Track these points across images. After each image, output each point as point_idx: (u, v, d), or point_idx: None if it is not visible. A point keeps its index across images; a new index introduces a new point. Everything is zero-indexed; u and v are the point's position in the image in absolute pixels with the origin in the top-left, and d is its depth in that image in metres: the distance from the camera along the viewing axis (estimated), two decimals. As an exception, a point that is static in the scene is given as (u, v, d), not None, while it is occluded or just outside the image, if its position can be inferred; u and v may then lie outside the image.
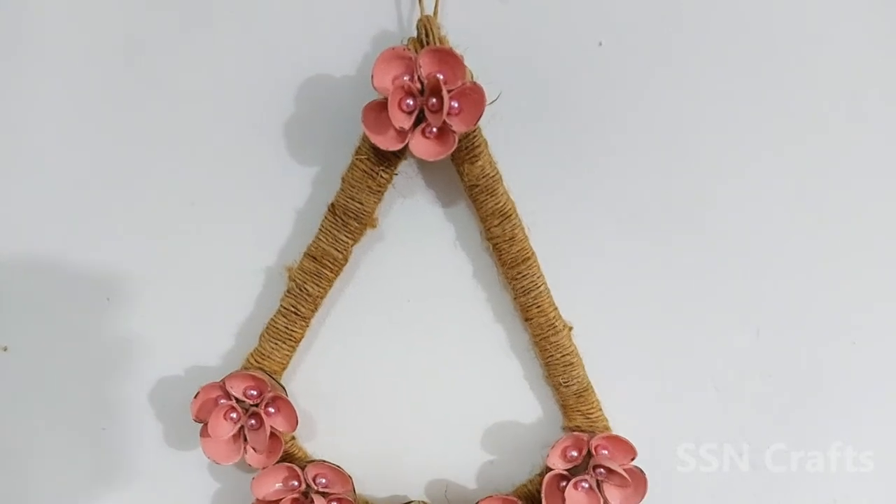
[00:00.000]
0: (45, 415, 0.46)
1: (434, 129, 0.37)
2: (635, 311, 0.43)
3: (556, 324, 0.42)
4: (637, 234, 0.43)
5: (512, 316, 0.44)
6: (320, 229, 0.41)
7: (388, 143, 0.37)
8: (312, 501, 0.42)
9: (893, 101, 0.43)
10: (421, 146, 0.37)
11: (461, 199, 0.43)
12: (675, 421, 0.44)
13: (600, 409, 0.43)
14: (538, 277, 0.41)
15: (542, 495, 0.41)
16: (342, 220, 0.41)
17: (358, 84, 0.42)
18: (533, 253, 0.41)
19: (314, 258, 0.41)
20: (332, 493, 0.42)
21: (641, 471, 0.41)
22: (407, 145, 0.37)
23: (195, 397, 0.41)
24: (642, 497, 0.41)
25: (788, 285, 0.43)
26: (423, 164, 0.43)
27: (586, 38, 0.42)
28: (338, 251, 0.41)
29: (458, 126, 0.36)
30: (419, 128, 0.37)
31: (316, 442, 0.45)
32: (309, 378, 0.45)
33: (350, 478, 0.42)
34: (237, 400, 0.42)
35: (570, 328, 0.42)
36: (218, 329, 0.45)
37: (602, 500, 0.41)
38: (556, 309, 0.42)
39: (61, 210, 0.45)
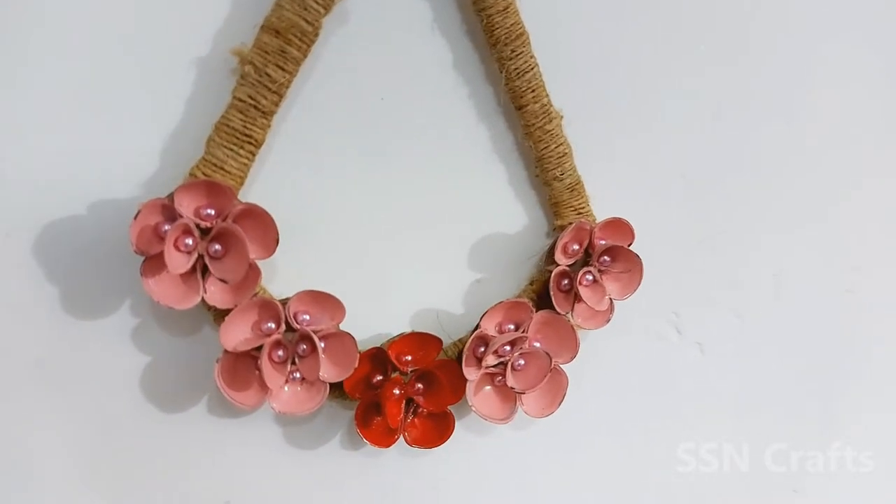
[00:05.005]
0: None
1: None
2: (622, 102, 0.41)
3: (551, 111, 0.39)
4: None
5: (496, 114, 0.39)
6: (282, -7, 0.32)
7: None
8: (298, 345, 0.34)
9: None
10: None
11: (439, -30, 0.37)
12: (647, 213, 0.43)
13: (589, 204, 0.41)
14: (532, 57, 0.37)
15: (552, 295, 0.39)
16: (312, -22, 0.32)
17: None
18: (526, 29, 0.37)
19: (276, 32, 0.32)
20: (321, 330, 0.35)
21: (638, 256, 0.40)
22: None
23: (135, 218, 0.30)
24: (638, 284, 0.41)
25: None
26: (392, -76, 0.36)
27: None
28: (307, 22, 0.33)
29: None
30: None
31: (276, 283, 0.37)
32: (261, 201, 0.36)
33: (341, 304, 0.35)
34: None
35: (562, 117, 0.39)
36: (133, 150, 0.34)
37: (605, 292, 0.40)
38: (548, 94, 0.39)
39: None
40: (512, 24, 0.36)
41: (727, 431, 0.46)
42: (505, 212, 0.41)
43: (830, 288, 0.47)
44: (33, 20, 0.33)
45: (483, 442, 0.42)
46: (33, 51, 0.33)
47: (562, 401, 0.40)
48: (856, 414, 0.46)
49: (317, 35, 0.33)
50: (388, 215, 0.39)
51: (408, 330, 0.40)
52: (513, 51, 0.37)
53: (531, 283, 0.41)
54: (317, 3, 0.33)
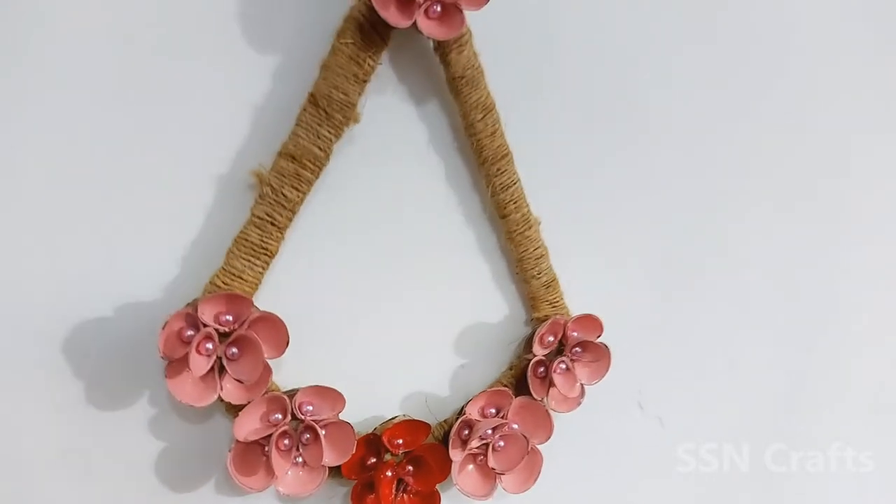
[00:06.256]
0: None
1: (437, 9, 0.35)
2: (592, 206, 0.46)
3: (530, 219, 0.43)
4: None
5: (481, 217, 0.44)
6: (299, 123, 0.37)
7: (395, 18, 0.34)
8: (302, 434, 0.38)
9: None
10: (427, 25, 0.35)
11: (433, 97, 0.42)
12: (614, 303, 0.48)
13: (563, 299, 0.46)
14: (514, 174, 0.42)
15: (530, 382, 0.43)
16: (325, 112, 0.37)
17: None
18: (510, 150, 0.42)
19: (293, 157, 0.37)
20: (323, 420, 0.39)
21: (606, 346, 0.45)
22: (414, 23, 0.35)
23: (163, 328, 0.34)
24: (606, 371, 0.45)
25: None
26: (394, 58, 0.40)
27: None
28: (319, 149, 0.37)
29: (467, 5, 0.35)
30: (422, 7, 0.35)
31: (282, 372, 0.41)
32: (269, 297, 0.40)
33: (341, 396, 0.39)
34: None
35: (539, 222, 0.44)
36: (156, 257, 0.38)
37: (576, 380, 0.45)
38: (528, 205, 0.43)
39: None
40: (498, 146, 0.41)
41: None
42: (488, 304, 0.45)
43: (778, 366, 0.53)
44: (68, 142, 0.36)
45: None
46: (71, 169, 0.36)
47: (537, 478, 0.44)
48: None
49: (328, 159, 0.38)
50: (383, 307, 0.43)
51: (399, 411, 0.44)
52: (498, 169, 0.42)
53: (510, 369, 0.45)
54: (329, 132, 0.37)
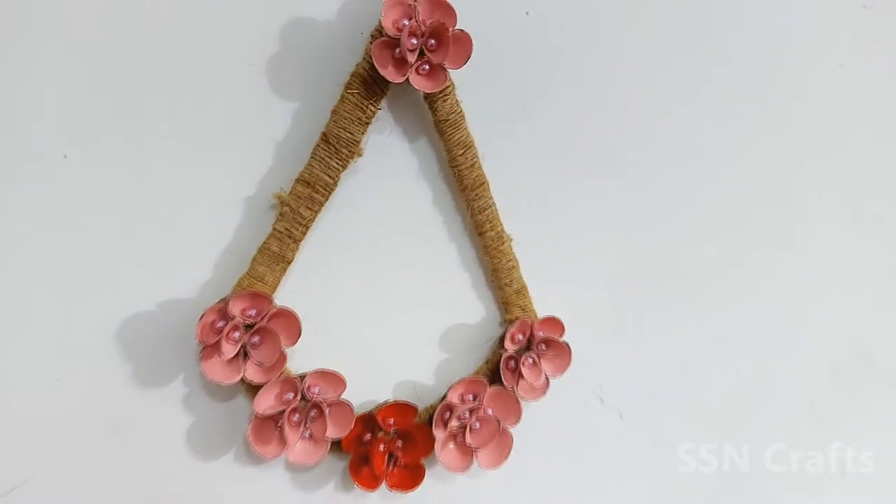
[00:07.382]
0: None
1: (426, 67, 0.44)
2: (557, 224, 0.55)
3: (503, 236, 0.52)
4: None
5: (462, 235, 0.52)
6: (313, 157, 0.45)
7: (391, 75, 0.43)
8: (310, 411, 0.46)
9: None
10: (417, 80, 0.44)
11: (423, 136, 0.50)
12: (578, 310, 0.56)
13: (532, 304, 0.54)
14: (490, 198, 0.51)
15: (502, 373, 0.51)
16: (335, 148, 0.45)
17: (333, 29, 0.47)
18: (486, 179, 0.50)
19: (308, 183, 0.45)
20: (327, 400, 0.47)
21: (568, 344, 0.53)
22: (407, 79, 0.44)
23: (201, 318, 0.42)
24: (567, 366, 0.53)
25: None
26: (391, 105, 0.49)
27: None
28: (329, 177, 0.45)
29: (450, 64, 0.44)
30: (413, 67, 0.44)
31: (294, 359, 0.49)
32: (286, 297, 0.48)
33: (343, 380, 0.47)
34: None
35: (511, 239, 0.52)
36: (192, 263, 0.46)
37: (542, 371, 0.53)
38: (502, 224, 0.52)
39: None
40: (476, 175, 0.50)
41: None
42: (468, 307, 0.53)
43: (723, 368, 0.60)
44: (134, 171, 0.45)
45: (447, 488, 0.53)
46: (128, 192, 0.45)
47: (508, 456, 0.51)
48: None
49: (336, 185, 0.46)
50: (378, 309, 0.51)
51: (391, 398, 0.52)
52: (476, 195, 0.50)
53: (487, 362, 0.53)
54: (337, 164, 0.46)
